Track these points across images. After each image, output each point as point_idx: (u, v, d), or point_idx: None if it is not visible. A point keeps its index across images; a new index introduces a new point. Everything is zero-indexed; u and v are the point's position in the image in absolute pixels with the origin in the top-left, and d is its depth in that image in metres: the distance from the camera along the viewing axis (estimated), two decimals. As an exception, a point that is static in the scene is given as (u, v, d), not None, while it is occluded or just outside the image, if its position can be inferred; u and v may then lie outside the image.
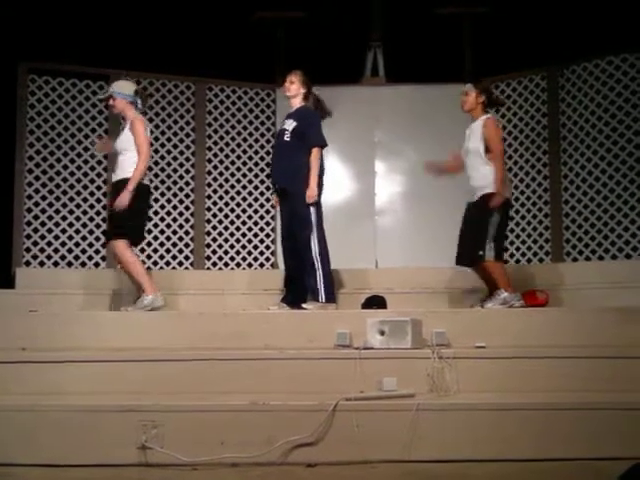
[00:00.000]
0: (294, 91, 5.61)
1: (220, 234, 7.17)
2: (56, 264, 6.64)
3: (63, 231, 6.70)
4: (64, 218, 6.71)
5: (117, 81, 5.63)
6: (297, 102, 5.63)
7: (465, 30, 7.52)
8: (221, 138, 7.27)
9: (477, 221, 5.39)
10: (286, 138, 5.50)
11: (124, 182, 5.22)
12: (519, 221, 7.03)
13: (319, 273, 5.34)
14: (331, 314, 5.08)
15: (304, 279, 5.44)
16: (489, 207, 5.29)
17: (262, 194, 7.30)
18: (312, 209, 5.42)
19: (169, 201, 7.03)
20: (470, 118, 5.58)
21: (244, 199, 7.28)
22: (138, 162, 5.25)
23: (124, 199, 5.17)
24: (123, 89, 5.44)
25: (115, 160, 5.40)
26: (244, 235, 7.24)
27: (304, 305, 5.30)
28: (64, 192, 6.73)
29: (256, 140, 7.36)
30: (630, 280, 5.84)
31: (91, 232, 6.74)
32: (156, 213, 6.95)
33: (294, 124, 5.51)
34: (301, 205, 5.41)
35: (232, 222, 7.22)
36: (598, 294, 5.80)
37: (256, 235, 7.26)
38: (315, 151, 5.46)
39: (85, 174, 6.79)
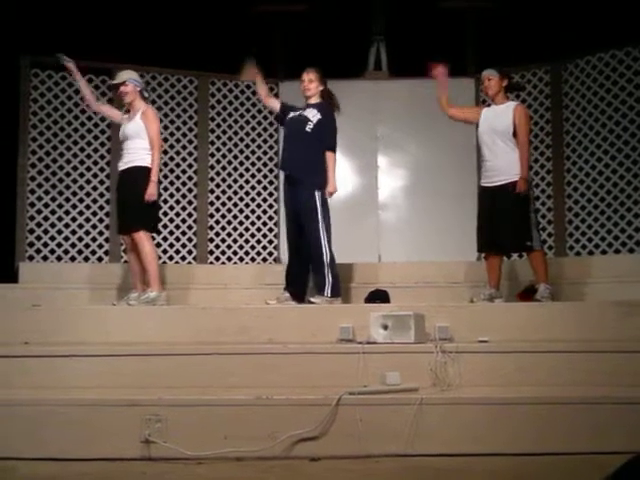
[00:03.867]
0: (314, 90, 5.61)
1: (223, 228, 7.17)
2: (59, 258, 6.66)
3: (66, 225, 6.70)
4: (67, 212, 6.72)
5: (124, 70, 5.66)
6: (315, 99, 5.64)
7: (468, 24, 7.49)
8: (224, 132, 7.27)
9: (517, 208, 5.38)
10: (308, 129, 5.49)
11: (136, 170, 5.31)
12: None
13: (327, 268, 5.36)
14: (334, 308, 5.08)
15: (307, 273, 5.50)
16: (524, 194, 5.33)
17: (265, 188, 7.31)
18: (319, 201, 5.44)
19: (172, 195, 7.03)
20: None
21: (247, 193, 7.28)
22: (154, 152, 5.34)
23: (153, 190, 5.29)
24: (134, 76, 5.55)
25: (123, 148, 5.44)
26: (247, 229, 7.24)
27: (312, 299, 5.32)
28: (67, 186, 6.74)
29: (259, 134, 7.36)
30: (633, 274, 5.84)
31: (94, 226, 6.75)
32: (159, 207, 6.94)
33: (319, 116, 5.51)
34: (312, 196, 5.43)
35: (235, 216, 7.22)
36: (601, 288, 5.80)
37: (259, 229, 7.26)
38: (331, 154, 5.52)
39: (88, 168, 6.80)
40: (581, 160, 6.79)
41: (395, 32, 7.51)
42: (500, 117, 5.47)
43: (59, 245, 6.67)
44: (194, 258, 7.06)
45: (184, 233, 7.06)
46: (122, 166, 5.45)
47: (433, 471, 3.52)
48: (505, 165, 5.38)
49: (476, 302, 5.35)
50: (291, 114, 5.66)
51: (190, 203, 7.10)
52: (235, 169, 7.27)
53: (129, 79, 5.48)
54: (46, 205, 6.67)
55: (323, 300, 5.29)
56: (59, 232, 6.68)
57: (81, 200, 6.76)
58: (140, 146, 5.36)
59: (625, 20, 6.56)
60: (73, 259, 6.68)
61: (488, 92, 5.58)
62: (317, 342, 4.56)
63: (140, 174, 5.32)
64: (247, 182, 7.29)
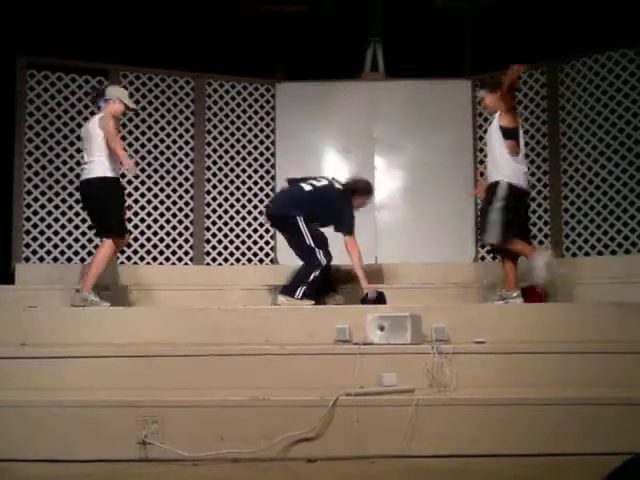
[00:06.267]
0: None
1: (220, 229, 7.16)
2: (55, 260, 6.64)
3: (62, 227, 6.69)
4: (63, 214, 6.70)
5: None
6: None
7: (465, 25, 7.51)
8: (220, 133, 7.27)
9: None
10: None
11: None
12: (518, 216, 7.03)
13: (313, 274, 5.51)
14: (332, 309, 5.09)
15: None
16: None
17: (262, 189, 7.30)
18: None
19: (168, 196, 7.02)
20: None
21: (243, 194, 7.28)
22: None
23: None
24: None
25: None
26: (244, 230, 7.24)
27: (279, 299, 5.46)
28: (63, 187, 6.72)
29: (255, 135, 7.36)
30: (629, 275, 5.86)
31: (90, 228, 6.74)
32: (156, 208, 6.96)
33: None
34: None
35: (232, 217, 7.22)
36: (597, 289, 5.80)
37: (256, 230, 7.25)
38: None
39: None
40: (577, 161, 6.80)
41: (392, 33, 7.52)
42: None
43: (55, 246, 6.65)
44: (190, 259, 7.05)
45: (180, 234, 7.05)
46: (117, 173, 5.65)
47: (429, 472, 3.53)
48: None
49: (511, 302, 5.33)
50: None
51: (187, 204, 7.10)
52: (232, 170, 7.26)
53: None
54: (42, 206, 6.65)
55: (291, 302, 5.39)
56: (55, 233, 6.66)
57: (77, 201, 6.72)
58: None
59: (621, 21, 6.56)
60: (69, 260, 6.67)
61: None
62: (314, 343, 4.57)
63: None
64: (244, 183, 7.29)
